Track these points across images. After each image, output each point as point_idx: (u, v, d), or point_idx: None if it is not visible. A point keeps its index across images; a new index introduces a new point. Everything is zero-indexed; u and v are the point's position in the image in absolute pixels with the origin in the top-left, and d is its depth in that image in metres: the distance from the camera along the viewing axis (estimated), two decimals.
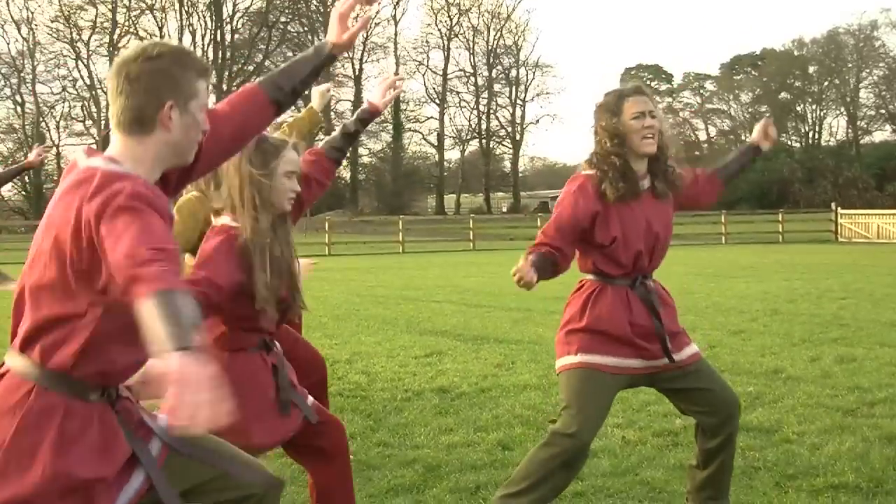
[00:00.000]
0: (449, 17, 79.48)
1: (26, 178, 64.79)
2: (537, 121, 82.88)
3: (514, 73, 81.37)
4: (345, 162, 78.95)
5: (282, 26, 75.06)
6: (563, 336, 4.48)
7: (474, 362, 9.58)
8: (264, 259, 3.89)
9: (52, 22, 69.90)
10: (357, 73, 77.33)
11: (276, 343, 4.15)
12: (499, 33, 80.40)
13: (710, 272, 21.54)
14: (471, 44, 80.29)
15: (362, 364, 9.59)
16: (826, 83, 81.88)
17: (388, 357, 10.03)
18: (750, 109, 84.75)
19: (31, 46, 69.85)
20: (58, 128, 72.10)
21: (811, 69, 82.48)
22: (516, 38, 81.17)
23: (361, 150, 79.03)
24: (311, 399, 4.18)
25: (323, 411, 4.23)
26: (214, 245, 3.88)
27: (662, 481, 5.31)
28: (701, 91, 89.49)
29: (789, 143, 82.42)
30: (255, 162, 3.94)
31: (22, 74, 69.42)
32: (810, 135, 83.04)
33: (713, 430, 4.44)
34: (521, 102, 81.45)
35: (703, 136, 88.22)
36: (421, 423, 6.91)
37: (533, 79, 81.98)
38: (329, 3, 75.37)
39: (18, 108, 69.32)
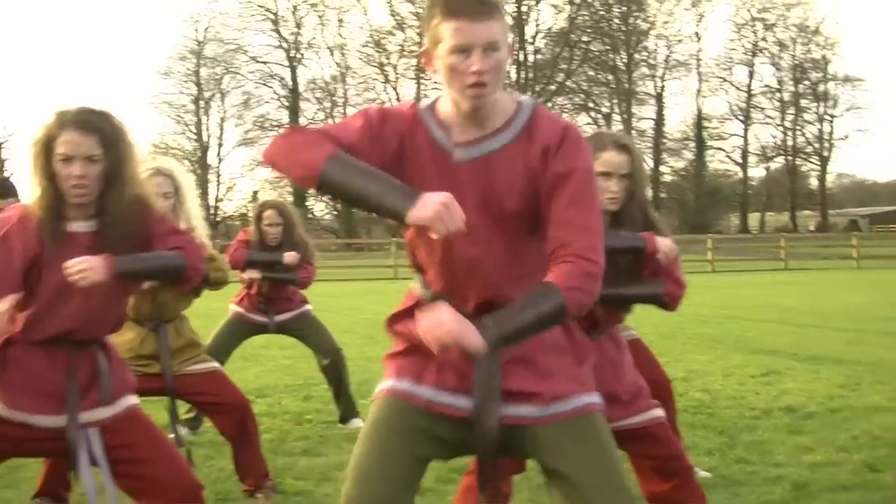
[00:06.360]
0: (753, 32, 77.70)
1: None
2: (846, 136, 79.47)
3: (821, 87, 78.63)
4: None
5: (584, 46, 75.47)
6: None
7: (816, 382, 9.37)
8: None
9: (363, 47, 72.93)
10: (659, 90, 76.80)
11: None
12: (806, 47, 77.97)
13: None
14: (776, 59, 78.24)
15: (700, 382, 9.56)
16: None
17: (723, 375, 9.95)
18: None
19: (343, 71, 73.15)
20: None
21: None
22: (824, 51, 78.47)
23: (663, 168, 78.30)
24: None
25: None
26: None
27: None
28: None
29: None
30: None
31: (334, 98, 72.62)
32: None
33: None
34: (829, 118, 78.61)
35: None
36: (777, 442, 6.84)
37: (842, 93, 79.02)
38: (629, 23, 75.34)
39: None
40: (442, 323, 2.59)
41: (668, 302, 4.15)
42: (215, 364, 5.49)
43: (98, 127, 3.54)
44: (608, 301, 4.01)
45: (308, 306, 7.57)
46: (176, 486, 3.58)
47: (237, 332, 7.39)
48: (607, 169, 4.02)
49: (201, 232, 5.29)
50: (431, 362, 2.87)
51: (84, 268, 3.40)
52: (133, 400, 3.74)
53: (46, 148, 3.53)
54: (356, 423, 7.36)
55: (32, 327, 3.58)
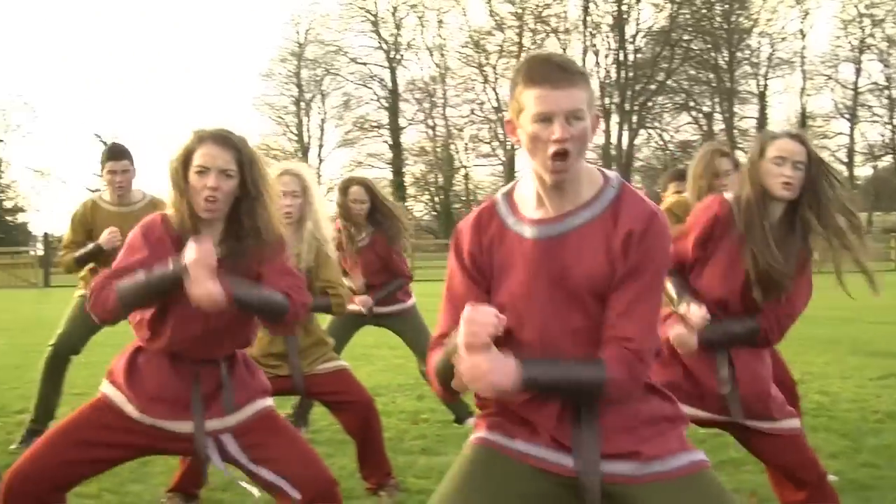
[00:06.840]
0: (861, 28, 76.12)
1: (435, 198, 67.89)
2: None
3: None
4: None
5: (684, 44, 74.66)
6: None
7: None
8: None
9: (462, 47, 72.97)
10: (762, 89, 75.66)
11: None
12: None
13: None
14: (885, 55, 76.53)
15: (817, 384, 9.38)
16: None
17: (841, 378, 9.76)
18: None
19: (443, 72, 73.26)
20: (465, 150, 74.99)
21: None
22: None
23: None
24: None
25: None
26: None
27: None
28: None
29: None
30: None
31: (433, 99, 72.79)
32: None
33: None
34: None
35: None
36: None
37: None
38: (732, 20, 74.36)
39: (430, 132, 72.75)
40: (478, 367, 2.59)
41: (760, 340, 4.24)
42: (342, 362, 5.53)
43: (235, 146, 3.61)
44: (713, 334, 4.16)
45: (411, 301, 7.43)
46: (311, 483, 3.62)
47: (346, 323, 7.20)
48: (781, 154, 4.04)
49: (326, 233, 5.34)
50: (524, 424, 2.84)
51: (206, 294, 3.38)
52: (264, 403, 3.81)
53: (184, 163, 3.60)
54: (472, 421, 7.32)
55: (155, 340, 3.67)
